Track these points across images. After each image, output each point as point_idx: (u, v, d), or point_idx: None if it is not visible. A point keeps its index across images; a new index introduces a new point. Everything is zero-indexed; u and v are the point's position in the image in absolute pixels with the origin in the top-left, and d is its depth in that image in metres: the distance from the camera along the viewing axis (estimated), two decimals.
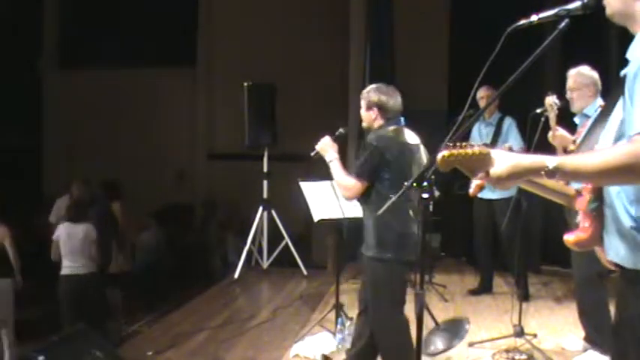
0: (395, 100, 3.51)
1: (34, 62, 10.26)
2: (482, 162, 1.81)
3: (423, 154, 3.51)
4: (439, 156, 1.84)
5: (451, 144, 1.85)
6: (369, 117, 3.52)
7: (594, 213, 1.94)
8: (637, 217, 1.76)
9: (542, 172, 1.72)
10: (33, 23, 10.03)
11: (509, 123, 5.69)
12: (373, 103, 3.49)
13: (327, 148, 3.60)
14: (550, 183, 1.96)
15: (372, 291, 3.46)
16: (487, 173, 1.81)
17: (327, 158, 3.58)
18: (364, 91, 3.58)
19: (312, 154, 3.70)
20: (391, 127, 3.47)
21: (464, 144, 1.83)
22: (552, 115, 4.09)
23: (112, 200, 6.97)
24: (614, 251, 1.84)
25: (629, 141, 1.66)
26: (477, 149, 1.81)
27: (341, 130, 3.84)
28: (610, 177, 1.70)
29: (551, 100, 4.10)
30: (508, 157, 1.79)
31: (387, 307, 3.43)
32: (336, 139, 3.67)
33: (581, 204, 1.99)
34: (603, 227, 1.90)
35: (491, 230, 5.86)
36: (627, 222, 1.78)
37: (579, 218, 2.03)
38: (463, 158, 1.82)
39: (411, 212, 3.39)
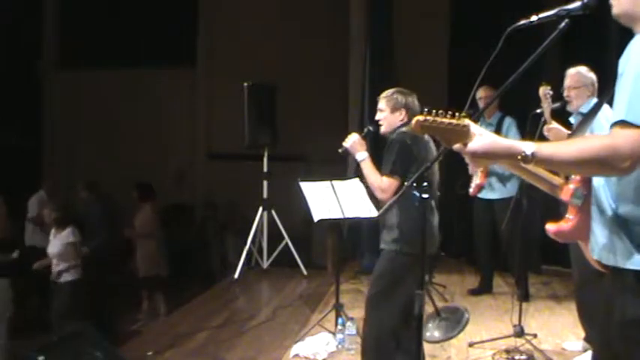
0: (416, 101, 3.54)
1: (34, 62, 10.26)
2: (459, 134, 1.80)
3: (434, 149, 3.52)
4: (414, 120, 1.84)
5: (426, 110, 1.83)
6: (394, 119, 3.49)
7: (579, 206, 1.94)
8: (619, 214, 1.76)
9: (519, 157, 1.73)
10: (33, 23, 10.03)
11: (508, 123, 5.69)
12: (402, 105, 3.48)
13: (356, 146, 3.55)
14: (538, 169, 1.97)
15: (381, 283, 3.42)
16: (465, 145, 1.80)
17: (358, 157, 3.53)
18: (386, 95, 3.54)
19: (340, 150, 3.66)
20: (410, 125, 3.46)
21: (440, 112, 1.82)
22: (546, 106, 4.11)
23: (143, 202, 7.00)
24: (597, 248, 1.84)
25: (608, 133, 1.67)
26: (454, 120, 1.80)
27: (369, 127, 3.78)
28: (584, 167, 1.71)
29: (545, 91, 4.11)
30: (486, 136, 1.79)
31: (385, 307, 3.40)
32: (364, 137, 3.63)
33: (566, 195, 2.00)
34: (588, 222, 1.90)
35: (491, 230, 5.86)
36: (610, 217, 1.78)
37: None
38: (439, 126, 1.81)
39: (432, 203, 3.41)
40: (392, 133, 3.50)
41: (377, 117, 3.57)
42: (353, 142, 3.57)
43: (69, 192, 8.11)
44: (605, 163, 1.63)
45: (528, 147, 1.72)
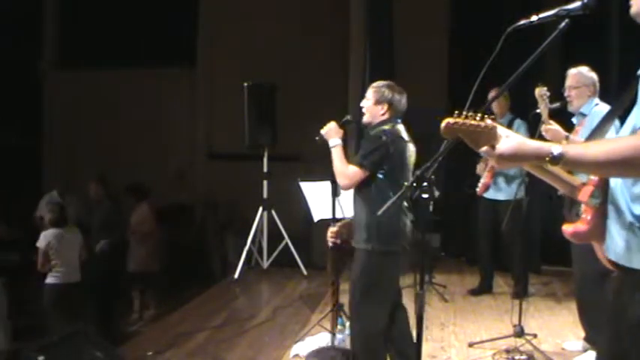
0: (404, 101, 3.53)
1: (35, 62, 10.26)
2: (486, 136, 1.80)
3: (414, 151, 3.52)
4: (443, 123, 1.82)
5: (457, 112, 1.82)
6: (375, 111, 3.49)
7: (596, 206, 1.93)
8: (636, 214, 1.76)
9: (547, 159, 1.72)
10: (33, 23, 10.03)
11: (518, 124, 5.61)
12: (386, 99, 3.47)
13: (332, 133, 3.56)
14: (557, 169, 1.96)
15: (361, 284, 3.40)
16: (492, 147, 1.80)
17: (331, 143, 3.54)
18: (375, 85, 3.54)
19: (317, 138, 3.65)
20: (392, 124, 3.47)
21: (470, 114, 1.81)
22: (543, 107, 4.11)
23: (138, 201, 7.00)
24: (613, 249, 1.84)
25: (636, 133, 1.66)
26: (482, 122, 1.79)
27: (348, 117, 3.80)
28: (613, 168, 1.69)
29: (542, 92, 4.11)
30: (514, 138, 1.78)
31: (370, 307, 3.39)
32: (342, 126, 3.63)
33: (584, 196, 1.99)
34: (604, 223, 1.89)
35: (494, 230, 5.84)
36: (628, 219, 1.78)
37: (581, 209, 2.02)
38: (467, 129, 1.80)
39: (404, 203, 3.40)
40: (373, 127, 3.49)
41: (361, 104, 3.58)
42: (329, 129, 3.58)
43: (71, 191, 8.09)
44: (635, 164, 1.62)
45: (556, 148, 1.71)
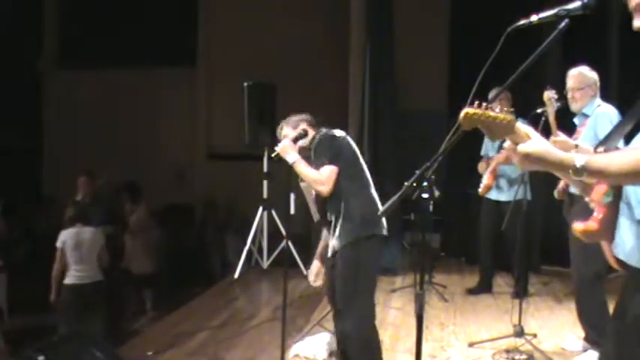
0: (309, 115, 3.68)
1: (34, 62, 10.27)
2: (504, 128, 1.82)
3: (354, 144, 3.56)
4: (462, 112, 1.82)
5: (477, 102, 1.83)
6: (302, 135, 3.58)
7: (608, 205, 1.94)
8: None
9: (570, 171, 1.73)
10: (33, 23, 10.04)
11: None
12: (300, 119, 3.63)
13: (287, 150, 3.52)
14: None
15: (346, 281, 3.35)
16: (516, 144, 1.80)
17: (290, 160, 3.48)
18: (284, 122, 3.71)
19: (273, 155, 3.64)
20: (320, 129, 3.54)
21: (489, 105, 1.83)
22: (551, 110, 4.10)
23: (136, 203, 6.98)
24: (622, 247, 1.84)
25: None
26: (502, 114, 1.81)
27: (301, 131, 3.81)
28: (638, 177, 1.70)
29: (550, 95, 4.11)
30: (544, 143, 1.79)
31: (363, 297, 3.37)
32: (295, 141, 3.60)
33: (597, 194, 1.99)
34: (615, 221, 1.89)
35: (495, 231, 5.83)
36: (638, 215, 1.78)
37: (593, 208, 2.02)
38: (487, 119, 1.82)
39: (373, 191, 3.44)
40: (311, 142, 3.53)
41: (284, 143, 3.57)
42: (284, 146, 3.53)
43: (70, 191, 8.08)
44: None
45: (579, 160, 1.72)
